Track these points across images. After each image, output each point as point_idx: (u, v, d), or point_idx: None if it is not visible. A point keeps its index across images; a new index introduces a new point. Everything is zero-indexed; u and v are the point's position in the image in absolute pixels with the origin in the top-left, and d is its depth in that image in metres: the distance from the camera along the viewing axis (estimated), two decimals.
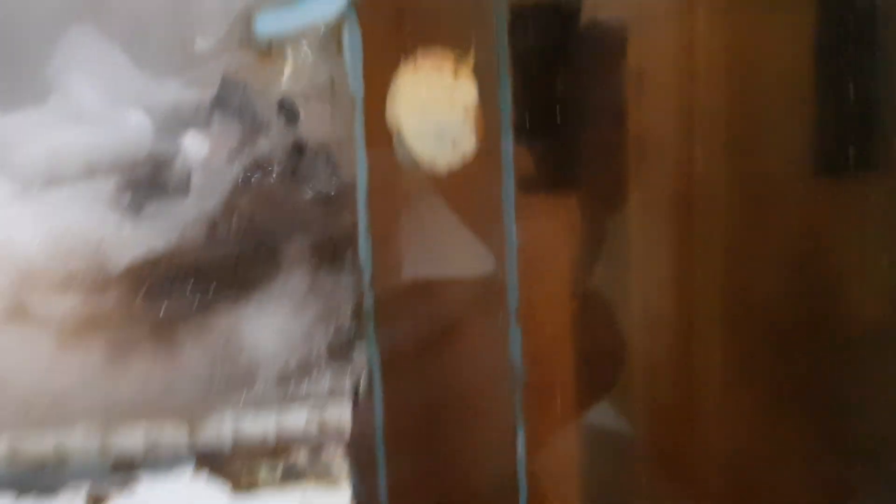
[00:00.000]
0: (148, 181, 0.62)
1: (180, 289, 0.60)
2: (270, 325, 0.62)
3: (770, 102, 0.63)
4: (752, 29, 0.62)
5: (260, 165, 0.60)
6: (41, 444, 0.59)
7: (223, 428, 0.62)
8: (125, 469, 0.60)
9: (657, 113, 0.63)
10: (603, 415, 0.65)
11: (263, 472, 0.61)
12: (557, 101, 0.60)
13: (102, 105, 0.62)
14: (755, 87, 0.63)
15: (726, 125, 0.63)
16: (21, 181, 0.61)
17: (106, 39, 0.61)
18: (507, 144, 0.61)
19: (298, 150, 0.60)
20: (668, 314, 0.65)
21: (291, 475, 0.61)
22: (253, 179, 0.60)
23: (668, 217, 0.64)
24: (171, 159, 0.63)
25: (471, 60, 0.59)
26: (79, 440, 0.60)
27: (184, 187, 0.62)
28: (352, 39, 0.58)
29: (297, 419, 0.63)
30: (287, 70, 0.58)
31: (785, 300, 0.65)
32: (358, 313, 0.63)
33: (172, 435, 0.62)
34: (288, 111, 0.59)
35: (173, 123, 0.63)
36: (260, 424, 0.63)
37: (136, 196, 0.62)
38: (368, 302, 0.62)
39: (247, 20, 0.56)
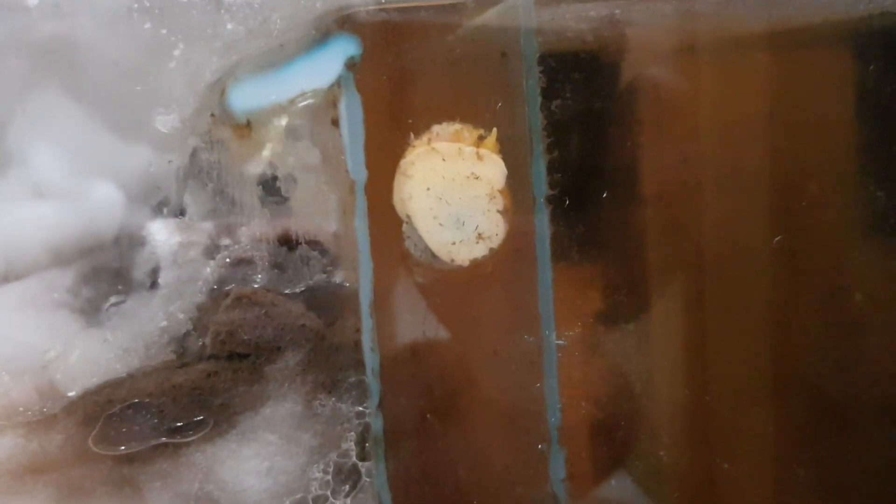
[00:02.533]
0: (110, 273, 0.51)
1: (144, 421, 0.48)
2: (255, 464, 0.50)
3: (814, 155, 0.52)
4: (793, 77, 0.51)
5: (241, 264, 0.49)
6: None
7: None
8: None
9: (695, 168, 0.52)
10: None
11: None
12: (599, 173, 0.49)
13: (68, 176, 0.52)
14: (798, 138, 0.52)
15: (769, 180, 0.52)
16: None
17: (72, 104, 0.51)
18: (543, 231, 0.49)
19: (287, 244, 0.49)
20: (706, 376, 0.53)
21: None
22: (232, 281, 0.49)
23: (707, 280, 0.53)
24: (138, 246, 0.52)
25: (495, 134, 0.48)
26: None
27: (150, 282, 0.51)
28: (350, 111, 0.46)
29: None
30: (270, 148, 0.47)
31: (833, 368, 0.53)
32: (364, 445, 0.51)
33: None
34: (273, 198, 0.48)
35: (145, 196, 0.52)
36: None
37: (95, 292, 0.51)
38: (377, 429, 0.50)
39: (219, 91, 0.46)
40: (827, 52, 0.50)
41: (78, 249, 0.52)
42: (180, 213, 0.49)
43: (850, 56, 0.49)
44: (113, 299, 0.50)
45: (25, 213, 0.51)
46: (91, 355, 0.49)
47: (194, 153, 0.46)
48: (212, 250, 0.50)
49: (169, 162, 0.44)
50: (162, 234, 0.51)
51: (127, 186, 0.52)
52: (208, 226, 0.50)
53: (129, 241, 0.50)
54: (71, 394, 0.47)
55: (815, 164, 0.51)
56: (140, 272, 0.51)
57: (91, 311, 0.50)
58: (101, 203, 0.52)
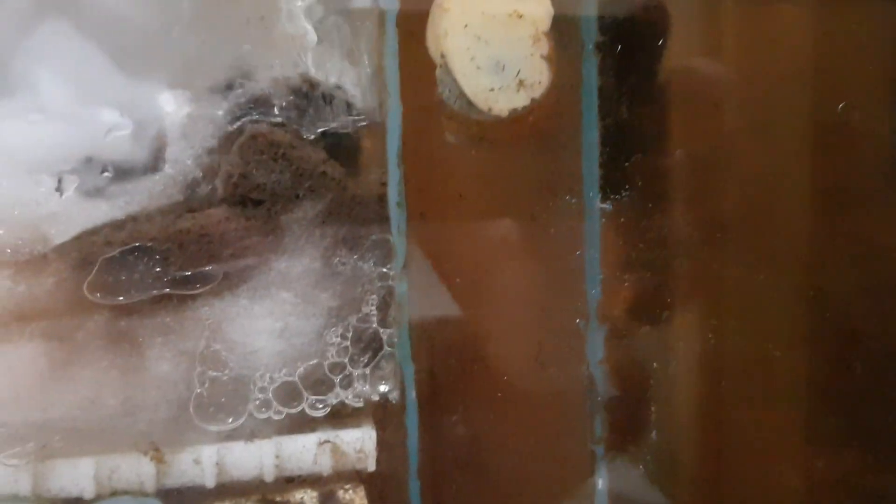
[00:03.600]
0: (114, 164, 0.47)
1: (145, 269, 0.44)
2: (268, 323, 0.45)
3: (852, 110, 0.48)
4: (837, 30, 0.47)
5: (257, 103, 0.44)
6: None
7: (202, 463, 0.45)
8: None
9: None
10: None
11: None
12: (658, 18, 0.44)
13: (74, 103, 0.48)
14: (838, 90, 0.48)
15: (809, 131, 0.47)
16: None
17: (81, 34, 0.47)
18: (591, 82, 0.45)
19: (308, 83, 0.44)
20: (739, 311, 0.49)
21: None
22: (247, 123, 0.44)
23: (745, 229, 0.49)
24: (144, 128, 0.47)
25: None
26: (5, 475, 0.44)
27: (157, 163, 0.46)
28: None
29: (303, 451, 0.46)
30: None
31: (867, 321, 0.49)
32: (386, 307, 0.46)
33: (132, 471, 0.45)
34: (294, 31, 0.43)
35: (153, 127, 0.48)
36: (253, 458, 0.46)
37: (97, 182, 0.46)
38: (401, 291, 0.46)
39: None
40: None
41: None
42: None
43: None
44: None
45: (28, 130, 0.48)
46: (88, 199, 0.44)
47: None
48: (223, 94, 0.45)
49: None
50: (170, 105, 0.46)
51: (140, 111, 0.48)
52: (219, 96, 0.45)
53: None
54: (59, 235, 0.43)
55: (855, 117, 0.47)
56: (146, 155, 0.47)
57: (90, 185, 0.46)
58: (106, 129, 0.49)
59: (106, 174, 0.47)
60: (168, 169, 0.45)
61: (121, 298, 0.42)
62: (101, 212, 0.45)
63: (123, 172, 0.46)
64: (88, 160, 0.49)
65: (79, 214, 0.44)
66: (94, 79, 0.49)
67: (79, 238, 0.41)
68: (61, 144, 0.50)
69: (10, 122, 0.50)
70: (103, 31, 0.48)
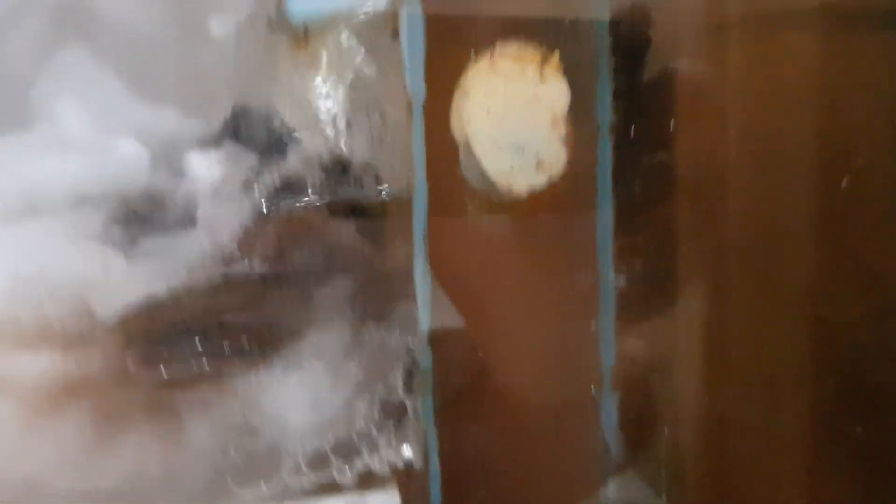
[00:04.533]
0: (144, 213, 0.49)
1: (186, 345, 0.46)
2: (300, 392, 0.47)
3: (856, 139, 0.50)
4: (842, 53, 0.48)
5: (290, 187, 0.46)
6: None
7: None
8: None
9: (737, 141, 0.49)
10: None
11: None
12: (668, 102, 0.46)
13: (93, 133, 0.50)
14: (845, 116, 0.50)
15: (815, 157, 0.49)
16: None
17: (99, 63, 0.49)
18: (605, 161, 0.47)
19: (340, 166, 0.47)
20: (744, 360, 0.50)
21: None
22: (281, 204, 0.46)
23: (748, 248, 0.50)
24: (173, 188, 0.50)
25: (559, 56, 0.45)
26: None
27: (188, 220, 0.48)
28: (412, 25, 0.44)
29: None
30: (326, 62, 0.44)
31: (869, 351, 0.50)
32: (411, 376, 0.48)
33: None
34: (328, 116, 0.46)
35: (173, 154, 0.50)
36: None
37: (129, 229, 0.48)
38: (426, 362, 0.48)
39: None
40: (874, 34, 0.48)
41: (106, 197, 0.50)
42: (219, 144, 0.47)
43: None
44: (149, 234, 0.48)
45: (50, 163, 0.50)
46: (129, 280, 0.46)
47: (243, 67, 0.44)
48: (256, 175, 0.48)
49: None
50: (202, 167, 0.48)
51: (159, 138, 0.50)
52: (254, 149, 0.48)
53: (163, 185, 0.48)
54: (106, 314, 0.45)
55: (859, 145, 0.49)
56: (178, 211, 0.49)
57: (128, 242, 0.48)
58: (126, 158, 0.51)
59: (138, 225, 0.50)
60: (204, 239, 0.47)
61: (164, 373, 0.44)
62: (142, 279, 0.47)
63: (156, 225, 0.49)
64: (120, 206, 0.51)
65: (122, 284, 0.47)
66: (118, 110, 0.52)
67: (124, 316, 0.43)
68: (85, 180, 0.53)
69: (33, 156, 0.53)
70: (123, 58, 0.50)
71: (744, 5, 0.46)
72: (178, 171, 0.51)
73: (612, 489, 0.49)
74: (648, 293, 0.47)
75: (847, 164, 0.50)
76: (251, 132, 0.47)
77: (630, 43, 0.44)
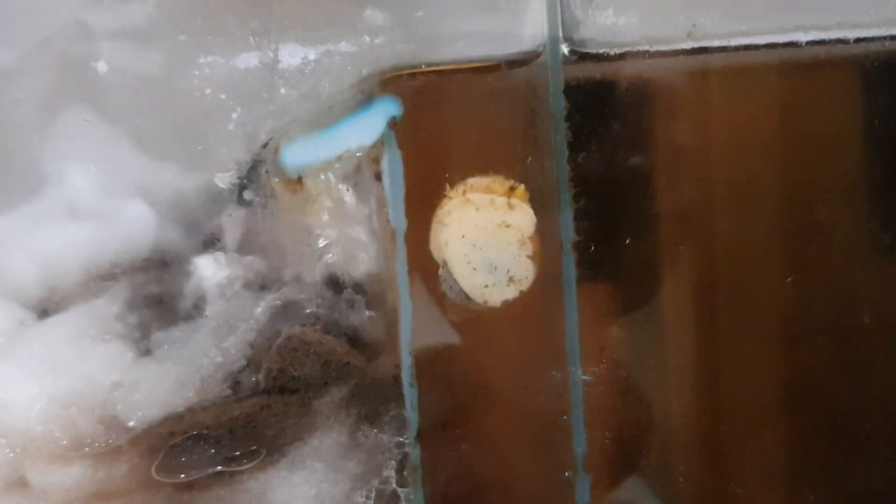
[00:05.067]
0: (156, 296, 0.54)
1: (202, 451, 0.51)
2: (304, 490, 0.53)
3: (823, 177, 0.54)
4: (803, 99, 0.53)
5: (290, 305, 0.52)
6: None
7: None
8: None
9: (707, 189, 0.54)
10: None
11: None
12: (622, 221, 0.52)
13: (101, 196, 0.54)
14: (807, 158, 0.54)
15: (779, 199, 0.54)
16: (16, 303, 0.53)
17: (104, 124, 0.52)
18: (570, 274, 0.52)
19: (334, 288, 0.52)
20: (721, 401, 0.55)
21: None
22: (283, 321, 0.52)
23: (721, 304, 0.55)
24: (183, 277, 0.55)
25: (524, 187, 0.51)
26: None
27: (197, 310, 0.54)
28: (392, 166, 0.49)
29: None
30: (319, 200, 0.50)
31: (846, 385, 0.55)
32: (403, 470, 0.54)
33: None
34: (322, 246, 0.51)
35: (180, 216, 0.54)
36: None
37: (143, 317, 0.54)
38: (415, 456, 0.53)
39: (273, 149, 0.49)
40: (836, 75, 0.52)
41: (115, 270, 0.55)
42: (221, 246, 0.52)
43: (860, 80, 0.52)
44: (161, 323, 0.53)
45: (62, 233, 0.54)
46: (150, 388, 0.52)
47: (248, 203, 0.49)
48: (256, 286, 0.53)
49: (229, 216, 0.47)
50: (209, 269, 0.54)
51: (166, 199, 0.54)
52: (252, 260, 0.53)
53: (174, 271, 0.53)
54: (132, 424, 0.50)
55: (825, 186, 0.53)
56: (187, 302, 0.54)
57: (141, 340, 0.53)
58: (134, 222, 0.55)
59: (150, 311, 0.55)
60: (217, 356, 0.52)
61: (182, 476, 0.49)
62: (161, 388, 0.52)
63: (166, 309, 0.54)
64: (133, 288, 0.56)
65: (144, 393, 0.52)
66: (123, 170, 0.55)
67: (147, 430, 0.49)
68: (96, 248, 0.57)
69: (46, 228, 0.57)
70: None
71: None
72: (185, 231, 0.56)
73: None
74: (613, 390, 0.52)
75: (813, 204, 0.54)
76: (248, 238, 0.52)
77: (589, 172, 0.49)
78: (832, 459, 0.56)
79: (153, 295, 0.53)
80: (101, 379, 0.51)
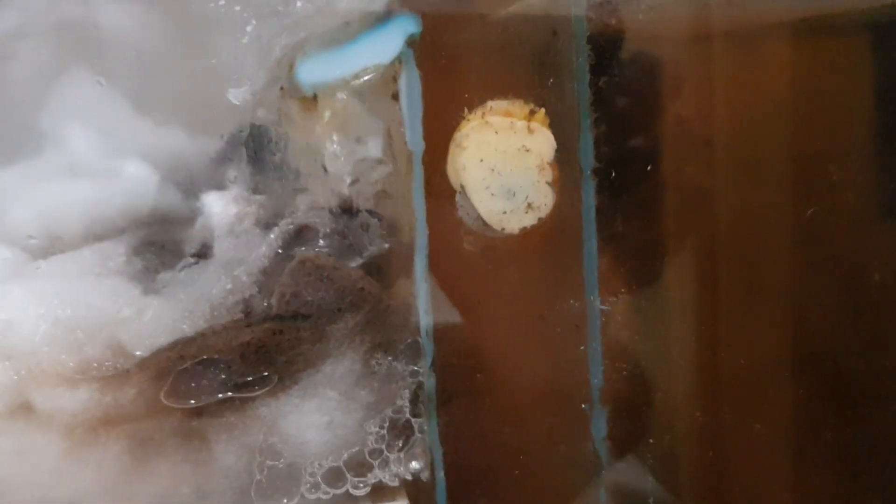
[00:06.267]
0: (161, 243, 0.53)
1: (213, 377, 0.50)
2: (316, 418, 0.52)
3: (834, 140, 0.53)
4: (819, 63, 0.52)
5: (304, 230, 0.50)
6: None
7: None
8: None
9: (717, 155, 0.53)
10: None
11: None
12: (644, 148, 0.50)
13: (102, 156, 0.53)
14: (817, 126, 0.53)
15: (789, 165, 0.53)
16: (18, 248, 0.51)
17: (106, 85, 0.51)
18: (589, 202, 0.51)
19: (348, 212, 0.51)
20: (727, 368, 0.54)
21: None
22: (296, 246, 0.50)
23: (728, 260, 0.54)
24: (189, 218, 0.53)
25: (545, 111, 0.49)
26: None
27: (204, 252, 0.52)
28: (410, 86, 0.47)
29: None
30: (334, 120, 0.48)
31: (851, 348, 0.54)
32: (417, 399, 0.53)
33: None
34: (336, 168, 0.50)
35: (183, 177, 0.53)
36: None
37: (148, 261, 0.52)
38: (429, 385, 0.52)
39: (287, 65, 0.47)
40: (848, 40, 0.52)
41: (116, 227, 0.54)
42: (233, 183, 0.51)
43: (871, 43, 0.51)
44: (168, 265, 0.52)
45: (63, 190, 0.53)
46: (157, 319, 0.50)
47: (252, 124, 0.48)
48: (267, 220, 0.52)
49: (240, 132, 0.46)
50: (217, 206, 0.52)
51: (169, 160, 0.53)
52: (262, 197, 0.52)
53: (178, 213, 0.52)
54: (138, 352, 0.49)
55: (836, 149, 0.53)
56: (195, 242, 0.53)
57: (149, 279, 0.52)
58: (135, 180, 0.54)
59: (156, 256, 0.53)
60: (222, 274, 0.51)
61: (192, 402, 0.48)
62: (169, 316, 0.51)
63: (174, 256, 0.53)
64: (139, 237, 0.55)
65: (150, 322, 0.51)
66: (124, 131, 0.54)
67: (156, 354, 0.47)
68: (97, 205, 0.56)
69: (46, 183, 0.56)
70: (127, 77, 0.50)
71: (726, 22, 0.49)
72: (187, 192, 0.54)
73: (603, 495, 0.53)
74: (632, 320, 0.51)
75: (826, 169, 0.54)
76: (263, 156, 0.50)
77: (610, 97, 0.48)
78: (838, 417, 0.55)
79: (162, 240, 0.52)
80: (108, 307, 0.50)
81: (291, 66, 0.45)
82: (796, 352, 0.53)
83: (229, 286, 0.49)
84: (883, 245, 0.52)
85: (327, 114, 0.45)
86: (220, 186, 0.51)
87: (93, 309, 0.49)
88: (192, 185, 0.51)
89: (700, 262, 0.52)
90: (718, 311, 0.53)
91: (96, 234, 0.52)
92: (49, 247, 0.51)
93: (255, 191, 0.51)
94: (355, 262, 0.48)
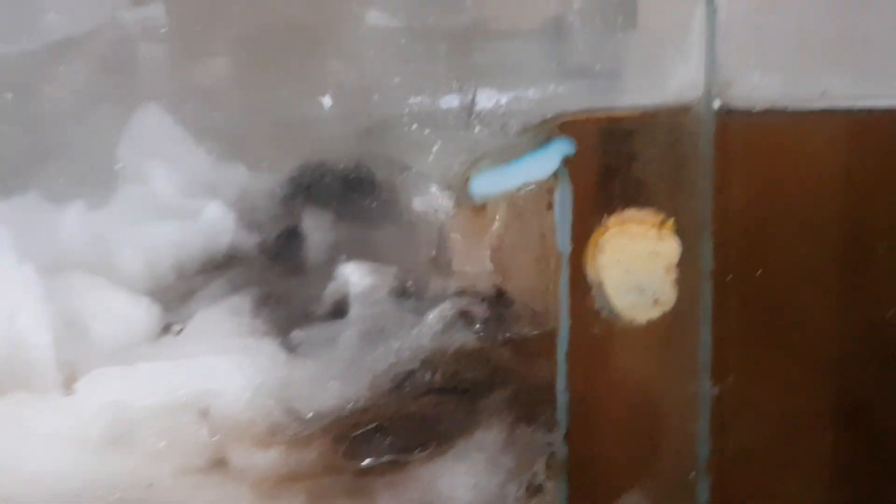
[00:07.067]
0: (284, 300, 0.59)
1: (382, 441, 0.57)
2: (465, 479, 0.58)
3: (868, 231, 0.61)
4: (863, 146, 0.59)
5: (463, 315, 0.58)
6: None
7: None
8: None
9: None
10: None
11: None
12: (756, 256, 0.58)
13: (181, 195, 0.56)
14: (855, 214, 0.61)
15: (830, 251, 0.60)
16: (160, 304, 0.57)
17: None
18: (706, 299, 0.58)
19: (504, 302, 0.58)
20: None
21: None
22: (455, 329, 0.58)
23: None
24: (325, 281, 0.60)
25: (673, 221, 0.57)
26: None
27: (337, 313, 0.59)
28: (562, 196, 0.54)
29: None
30: (498, 226, 0.56)
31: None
32: (550, 468, 0.60)
33: None
34: (495, 265, 0.57)
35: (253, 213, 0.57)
36: None
37: (281, 320, 0.59)
38: (562, 456, 0.59)
39: (464, 179, 0.55)
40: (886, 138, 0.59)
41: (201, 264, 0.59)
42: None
43: None
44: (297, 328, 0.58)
45: (154, 230, 0.56)
46: (314, 377, 0.57)
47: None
48: (400, 291, 0.59)
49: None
50: (355, 274, 0.59)
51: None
52: (397, 269, 0.58)
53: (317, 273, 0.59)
54: (309, 415, 0.56)
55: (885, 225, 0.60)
56: (327, 304, 0.59)
57: (286, 339, 0.58)
58: (214, 220, 0.56)
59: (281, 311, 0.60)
60: (391, 357, 0.58)
61: (365, 463, 0.55)
62: (334, 384, 0.58)
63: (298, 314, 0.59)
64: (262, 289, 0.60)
65: (310, 384, 0.57)
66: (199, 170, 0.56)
67: (336, 421, 0.54)
68: (184, 246, 0.61)
69: (140, 225, 0.60)
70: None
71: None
72: (257, 230, 0.60)
73: None
74: (737, 398, 0.59)
75: (869, 243, 0.61)
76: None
77: (728, 214, 0.56)
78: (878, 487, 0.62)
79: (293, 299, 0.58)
80: (280, 371, 0.56)
81: (466, 180, 0.52)
82: (837, 409, 0.60)
83: (392, 359, 0.57)
84: None
85: (496, 219, 0.53)
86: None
87: (257, 373, 0.56)
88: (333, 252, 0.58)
89: (780, 350, 0.59)
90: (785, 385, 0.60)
91: (228, 286, 0.58)
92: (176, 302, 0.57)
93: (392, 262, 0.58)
94: (506, 346, 0.56)
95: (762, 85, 0.54)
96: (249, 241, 0.57)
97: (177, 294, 0.56)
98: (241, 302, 0.57)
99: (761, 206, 0.56)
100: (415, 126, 0.50)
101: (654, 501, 0.58)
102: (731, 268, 0.56)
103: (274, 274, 0.58)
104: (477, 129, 0.51)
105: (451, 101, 0.51)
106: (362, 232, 0.58)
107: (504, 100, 0.51)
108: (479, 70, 0.51)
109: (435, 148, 0.51)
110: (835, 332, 0.58)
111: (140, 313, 0.55)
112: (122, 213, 0.55)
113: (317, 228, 0.57)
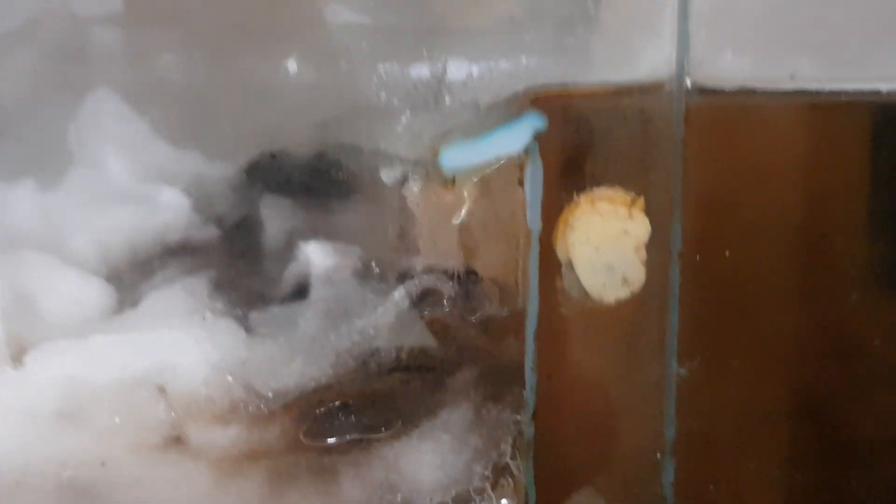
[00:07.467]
0: (241, 283, 0.58)
1: (346, 419, 0.55)
2: (431, 458, 0.57)
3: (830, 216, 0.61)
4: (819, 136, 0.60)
5: (429, 293, 0.57)
6: None
7: None
8: None
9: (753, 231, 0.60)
10: None
11: None
12: (724, 236, 0.58)
13: (134, 180, 0.54)
14: (818, 199, 0.61)
15: (792, 235, 0.61)
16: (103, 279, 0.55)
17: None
18: (675, 279, 0.58)
19: (472, 278, 0.57)
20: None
21: None
22: (424, 307, 0.56)
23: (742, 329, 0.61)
24: (286, 261, 0.58)
25: (644, 200, 0.57)
26: None
27: (297, 295, 0.58)
28: (533, 173, 0.53)
29: None
30: (466, 200, 0.55)
31: (853, 409, 0.62)
32: (517, 445, 0.59)
33: None
34: (465, 241, 0.56)
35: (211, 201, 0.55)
36: None
37: (232, 300, 0.57)
38: (529, 435, 0.58)
39: (432, 152, 0.54)
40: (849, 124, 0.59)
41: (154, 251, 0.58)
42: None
43: (869, 129, 0.59)
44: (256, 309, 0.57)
45: (113, 216, 0.54)
46: (275, 356, 0.55)
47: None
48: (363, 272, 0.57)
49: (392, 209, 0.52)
50: (317, 254, 0.58)
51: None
52: (359, 249, 0.57)
53: (276, 256, 0.57)
54: (270, 393, 0.54)
55: (836, 223, 0.60)
56: (287, 285, 0.58)
57: (245, 320, 0.57)
58: (169, 206, 0.56)
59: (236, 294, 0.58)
60: (354, 336, 0.56)
61: (327, 441, 0.54)
62: (295, 362, 0.56)
63: (257, 295, 0.58)
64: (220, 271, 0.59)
65: (271, 363, 0.56)
66: (151, 155, 0.54)
67: (300, 398, 0.53)
68: (139, 232, 0.60)
69: (96, 208, 0.59)
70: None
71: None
72: (215, 219, 0.59)
73: None
74: (703, 380, 0.58)
75: (825, 238, 0.61)
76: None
77: (698, 194, 0.55)
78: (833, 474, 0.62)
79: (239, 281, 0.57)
80: (227, 348, 0.54)
81: (436, 153, 0.51)
82: (797, 409, 0.60)
83: (356, 338, 0.55)
84: (876, 315, 0.60)
85: (465, 194, 0.52)
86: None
87: (215, 350, 0.54)
88: (293, 235, 0.57)
89: (744, 334, 0.59)
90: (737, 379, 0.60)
91: (184, 269, 0.57)
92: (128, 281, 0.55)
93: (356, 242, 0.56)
94: (476, 324, 0.55)
95: (733, 65, 0.54)
96: (206, 226, 0.55)
97: (130, 275, 0.54)
98: (198, 283, 0.55)
99: (728, 186, 0.56)
100: (383, 94, 0.49)
101: (620, 482, 0.57)
102: (700, 248, 0.55)
103: (231, 256, 0.56)
104: (447, 100, 0.50)
105: (420, 70, 0.49)
106: (324, 212, 0.56)
107: (476, 71, 0.50)
108: (450, 38, 0.50)
109: (403, 118, 0.50)
110: (799, 313, 0.58)
111: (92, 292, 0.53)
112: (74, 196, 0.53)
113: (276, 209, 0.56)
